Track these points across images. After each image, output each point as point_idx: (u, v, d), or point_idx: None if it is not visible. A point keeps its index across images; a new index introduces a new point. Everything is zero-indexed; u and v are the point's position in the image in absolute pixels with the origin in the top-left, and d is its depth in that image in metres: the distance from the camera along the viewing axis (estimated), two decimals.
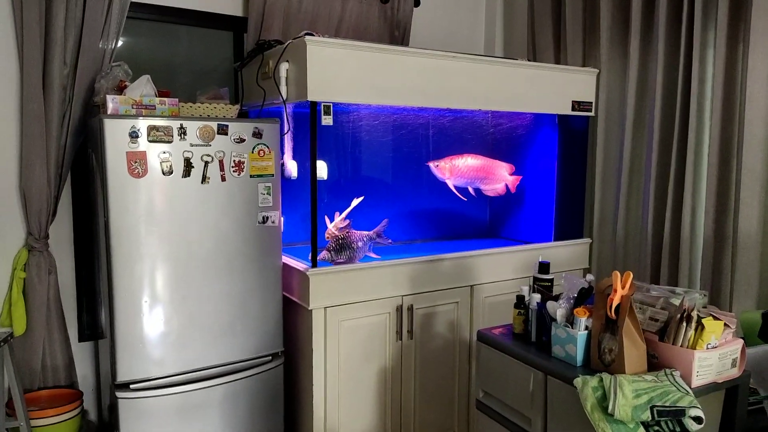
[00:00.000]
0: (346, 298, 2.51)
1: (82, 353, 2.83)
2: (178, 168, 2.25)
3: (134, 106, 2.26)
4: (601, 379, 1.60)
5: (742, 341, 1.71)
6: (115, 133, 2.14)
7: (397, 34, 3.41)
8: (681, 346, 1.64)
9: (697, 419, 1.50)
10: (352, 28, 3.25)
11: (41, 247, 2.58)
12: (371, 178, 3.18)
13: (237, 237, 2.40)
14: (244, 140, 2.38)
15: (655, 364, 1.69)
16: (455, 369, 2.86)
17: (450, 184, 3.04)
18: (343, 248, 2.63)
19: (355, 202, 2.75)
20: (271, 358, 2.55)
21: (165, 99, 2.33)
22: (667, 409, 1.50)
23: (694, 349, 1.62)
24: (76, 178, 2.75)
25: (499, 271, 2.92)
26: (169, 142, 2.22)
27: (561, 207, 3.22)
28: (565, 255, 3.14)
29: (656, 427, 1.52)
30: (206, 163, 2.30)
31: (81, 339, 2.84)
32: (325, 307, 2.47)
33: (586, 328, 1.76)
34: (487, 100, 2.81)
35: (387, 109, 3.08)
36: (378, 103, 2.53)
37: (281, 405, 2.60)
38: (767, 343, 2.08)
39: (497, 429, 2.01)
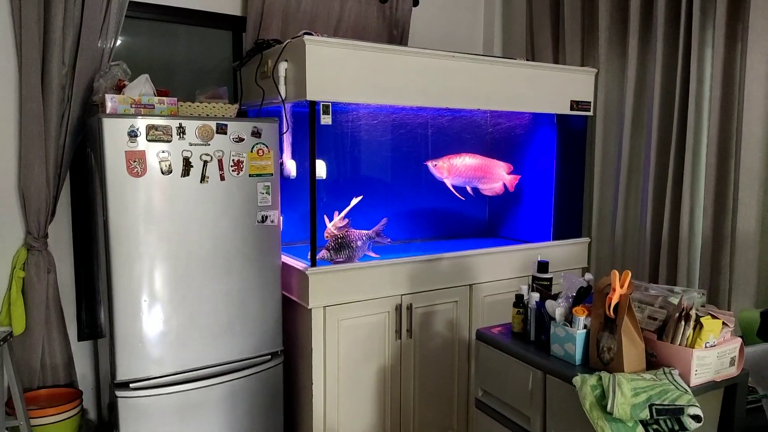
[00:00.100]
0: (345, 298, 2.51)
1: (81, 352, 2.83)
2: (177, 167, 2.25)
3: (133, 106, 2.26)
4: (600, 378, 1.60)
5: (740, 340, 1.72)
6: (113, 133, 2.14)
7: (396, 34, 3.41)
8: (679, 344, 1.65)
9: (696, 418, 1.50)
10: (350, 28, 3.25)
11: (40, 246, 2.58)
12: (370, 178, 3.18)
13: (236, 236, 2.40)
14: (243, 139, 2.38)
15: (653, 362, 1.70)
16: (454, 368, 2.87)
17: (448, 183, 3.04)
18: (342, 247, 2.63)
19: (354, 201, 2.75)
20: (270, 357, 2.55)
21: (164, 98, 2.33)
22: (666, 407, 1.51)
23: (693, 347, 1.63)
24: (75, 177, 2.75)
25: (498, 271, 2.92)
26: (168, 141, 2.22)
27: (560, 206, 3.23)
28: (564, 254, 3.14)
29: (655, 426, 1.52)
30: (205, 162, 2.31)
31: (80, 338, 2.84)
32: (325, 306, 2.47)
33: (585, 326, 1.77)
34: (486, 99, 2.81)
35: (386, 109, 3.08)
36: (377, 103, 2.54)
37: (281, 404, 2.61)
38: (766, 341, 2.09)
39: (496, 428, 2.01)
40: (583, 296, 1.86)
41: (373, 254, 2.75)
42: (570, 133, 3.22)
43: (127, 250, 2.19)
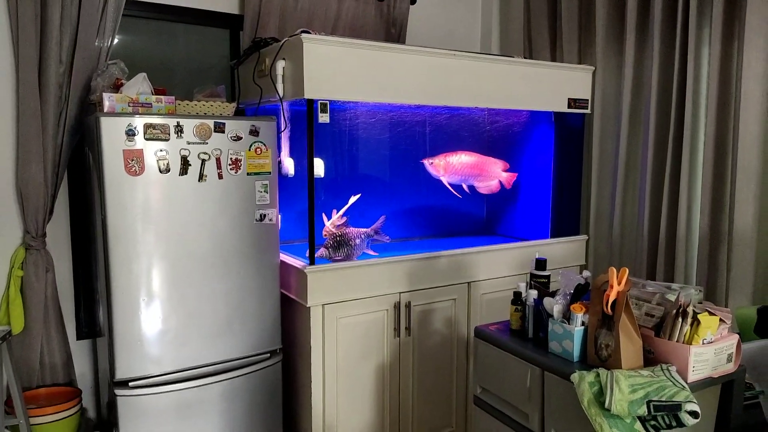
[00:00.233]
0: (343, 296, 2.52)
1: (80, 351, 2.83)
2: (175, 166, 2.25)
3: (131, 104, 2.26)
4: (598, 375, 1.61)
5: (737, 336, 1.73)
6: (111, 132, 2.14)
7: (394, 32, 3.41)
8: (677, 341, 1.65)
9: (693, 414, 1.51)
10: (348, 26, 3.25)
11: (38, 245, 2.58)
12: (368, 176, 3.18)
13: (234, 235, 2.40)
14: (241, 138, 2.38)
15: (651, 359, 1.70)
16: (453, 365, 2.87)
17: (444, 181, 3.05)
18: (340, 245, 2.64)
19: (353, 199, 2.76)
20: (269, 355, 2.56)
21: (161, 97, 2.33)
22: (664, 403, 1.51)
23: (690, 344, 1.64)
24: (73, 176, 2.75)
25: (497, 268, 2.93)
26: (166, 140, 2.22)
27: (557, 204, 3.23)
28: (562, 252, 3.15)
29: (652, 422, 1.53)
30: (203, 161, 2.31)
31: (79, 337, 2.84)
32: (323, 305, 2.48)
33: (583, 323, 1.77)
34: (484, 97, 2.81)
35: (384, 107, 3.08)
36: (374, 101, 2.54)
37: (279, 402, 2.61)
38: (762, 338, 2.10)
39: (495, 424, 2.02)
40: (580, 293, 1.87)
41: (371, 252, 2.75)
42: (568, 130, 3.22)
43: (125, 249, 2.19)
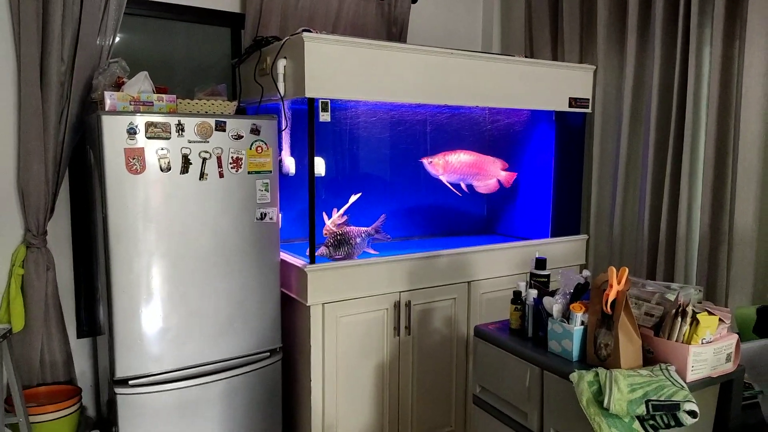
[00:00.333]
0: (343, 295, 2.52)
1: (80, 350, 2.84)
2: (176, 164, 2.26)
3: (132, 103, 2.27)
4: (597, 374, 1.61)
5: (736, 336, 1.73)
6: (112, 130, 2.14)
7: (395, 31, 3.41)
8: (676, 341, 1.66)
9: (692, 413, 1.51)
10: (349, 25, 3.25)
11: (39, 243, 2.58)
12: (369, 175, 3.18)
13: (235, 233, 2.41)
14: (242, 137, 2.38)
15: (650, 358, 1.71)
16: (452, 364, 2.88)
17: (444, 180, 3.05)
18: (341, 244, 2.64)
19: (353, 198, 2.76)
20: (269, 354, 2.56)
21: (163, 95, 2.33)
22: (662, 403, 1.52)
23: (689, 344, 1.64)
24: (74, 174, 2.76)
25: (497, 267, 2.93)
26: (167, 138, 2.22)
27: (558, 203, 3.23)
28: (562, 251, 3.15)
29: (651, 422, 1.53)
30: (204, 159, 2.31)
31: (79, 335, 2.84)
32: (323, 303, 2.48)
33: (582, 323, 1.77)
34: (485, 96, 2.81)
35: (384, 106, 3.08)
36: (375, 100, 2.54)
37: (279, 401, 2.61)
38: (762, 338, 2.10)
39: (494, 424, 2.02)
40: (580, 293, 1.87)
41: (372, 251, 2.75)
42: (568, 130, 3.22)
43: (126, 248, 2.20)
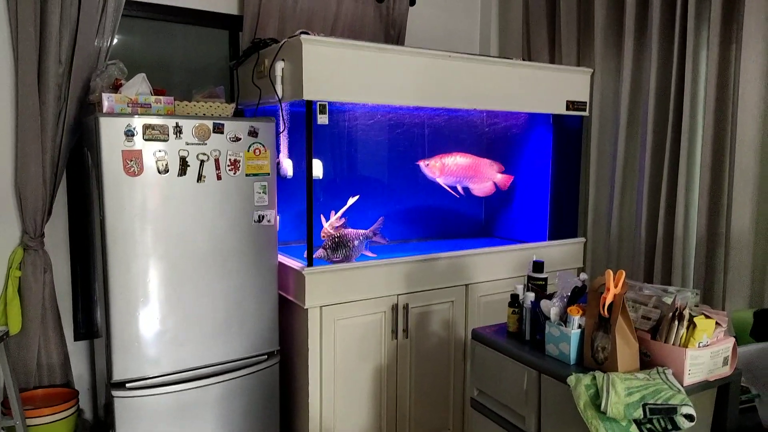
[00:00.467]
0: (341, 297, 2.52)
1: (77, 352, 2.83)
2: (174, 167, 2.25)
3: (130, 105, 2.26)
4: (594, 377, 1.61)
5: (733, 339, 1.73)
6: (110, 132, 2.14)
7: (393, 33, 3.41)
8: (673, 344, 1.66)
9: (689, 417, 1.51)
10: (347, 27, 3.26)
11: (37, 245, 2.58)
12: (367, 177, 3.18)
13: (233, 236, 2.41)
14: (240, 139, 2.38)
15: (647, 362, 1.71)
16: (450, 367, 2.88)
17: (441, 182, 3.05)
18: (339, 247, 2.64)
19: (351, 200, 2.76)
20: (266, 357, 2.56)
21: (161, 97, 2.33)
22: (659, 406, 1.52)
23: (686, 347, 1.64)
24: (72, 176, 2.75)
25: (494, 270, 2.93)
26: (165, 140, 2.22)
27: (555, 206, 3.24)
28: (560, 254, 3.15)
29: (648, 425, 1.53)
30: (202, 161, 2.31)
31: (76, 338, 2.84)
32: (321, 306, 2.48)
33: (580, 326, 1.78)
34: (482, 99, 2.82)
35: (382, 108, 3.09)
36: (373, 102, 2.54)
37: (277, 404, 2.61)
38: (759, 341, 2.10)
39: (492, 427, 2.02)
40: (577, 296, 1.87)
41: (370, 254, 2.75)
42: (566, 133, 3.23)
43: (123, 250, 2.19)
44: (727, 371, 1.72)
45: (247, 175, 2.41)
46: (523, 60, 3.22)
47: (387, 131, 3.20)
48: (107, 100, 2.23)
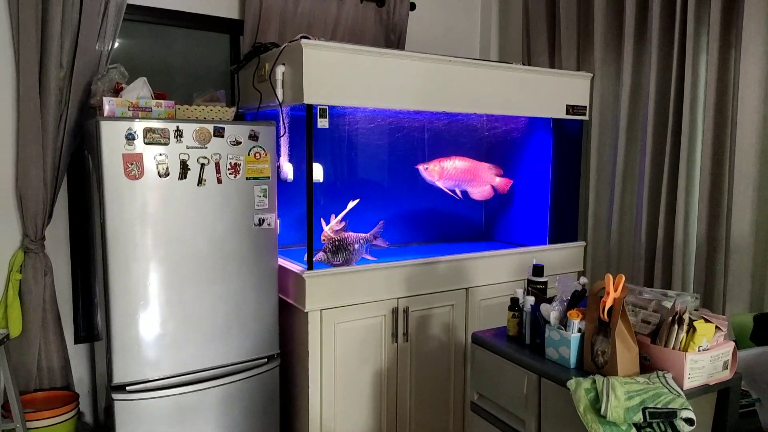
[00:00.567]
0: (341, 301, 2.52)
1: (78, 355, 2.83)
2: (174, 170, 2.26)
3: (130, 109, 2.27)
4: (594, 381, 1.61)
5: (733, 344, 1.73)
6: (111, 135, 2.14)
7: (393, 38, 3.42)
8: (673, 348, 1.66)
9: (689, 421, 1.51)
10: (348, 32, 3.26)
11: (37, 248, 2.58)
12: (367, 181, 3.19)
13: (233, 239, 2.41)
14: (241, 143, 2.39)
15: (647, 366, 1.71)
16: (450, 371, 2.88)
17: (440, 185, 3.05)
18: (339, 250, 2.64)
19: (351, 204, 2.76)
20: (266, 360, 2.56)
21: (161, 101, 2.34)
22: (659, 410, 1.52)
23: (686, 351, 1.64)
24: (73, 180, 2.76)
25: (494, 274, 2.93)
26: (166, 144, 2.23)
27: (555, 210, 3.24)
28: (560, 258, 3.15)
29: (648, 429, 1.53)
30: (202, 165, 2.31)
31: (77, 341, 2.84)
32: (321, 310, 2.48)
33: (580, 330, 1.78)
34: (483, 103, 2.82)
35: (382, 112, 3.09)
36: (373, 106, 2.55)
37: (277, 407, 2.61)
38: (759, 345, 2.10)
39: (492, 431, 2.02)
40: (577, 300, 1.88)
41: (370, 257, 2.75)
42: (565, 137, 3.23)
43: (124, 253, 2.20)
44: (727, 375, 1.72)
45: (247, 178, 2.42)
46: (523, 64, 3.23)
47: (387, 135, 3.20)
48: (108, 104, 2.24)
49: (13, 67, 2.54)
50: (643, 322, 1.77)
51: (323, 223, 2.72)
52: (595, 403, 1.57)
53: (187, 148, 2.27)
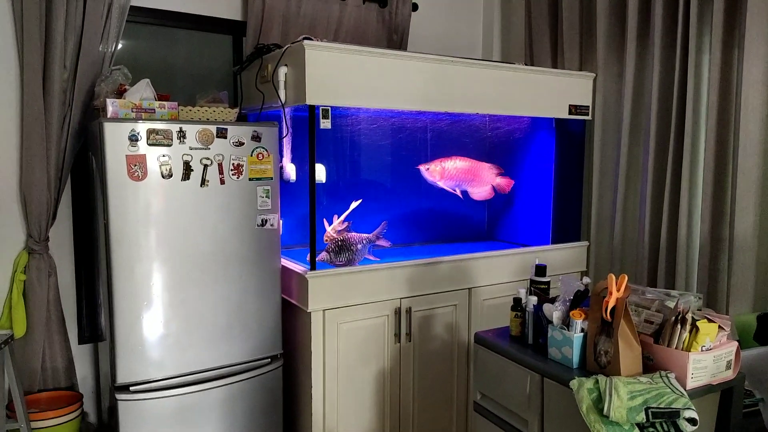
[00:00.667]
0: (344, 301, 2.52)
1: (81, 355, 2.84)
2: (178, 171, 2.27)
3: (134, 110, 2.28)
4: (597, 381, 1.62)
5: (736, 343, 1.73)
6: (114, 137, 2.15)
7: (395, 39, 3.43)
8: (676, 348, 1.66)
9: (692, 421, 1.51)
10: (350, 33, 3.27)
11: (41, 249, 2.59)
12: (369, 181, 3.19)
13: (236, 240, 2.41)
14: (243, 143, 2.39)
15: (650, 366, 1.71)
16: (453, 371, 2.88)
17: (442, 185, 3.06)
18: (342, 250, 2.65)
19: (354, 204, 2.77)
20: (269, 360, 2.56)
21: (164, 102, 2.34)
22: (662, 410, 1.52)
23: (689, 351, 1.64)
24: (76, 181, 2.77)
25: (497, 274, 2.93)
26: (169, 145, 2.24)
27: (558, 210, 3.24)
28: (563, 258, 3.15)
29: (651, 429, 1.53)
30: (205, 166, 2.32)
31: (81, 341, 2.85)
32: (324, 310, 2.48)
33: (582, 330, 1.78)
34: (485, 104, 2.82)
35: (385, 113, 3.10)
36: (376, 107, 2.55)
37: (280, 407, 2.61)
38: (762, 345, 2.10)
39: (494, 431, 2.02)
40: (580, 300, 1.88)
41: (372, 257, 2.76)
42: (568, 137, 3.23)
43: (127, 254, 2.21)
44: (730, 375, 1.72)
45: (250, 179, 2.42)
46: (526, 64, 3.23)
47: (390, 135, 3.21)
48: (111, 106, 2.25)
49: (17, 69, 2.55)
50: (646, 322, 1.77)
51: (326, 223, 2.73)
52: (598, 403, 1.57)
53: (190, 149, 2.28)
